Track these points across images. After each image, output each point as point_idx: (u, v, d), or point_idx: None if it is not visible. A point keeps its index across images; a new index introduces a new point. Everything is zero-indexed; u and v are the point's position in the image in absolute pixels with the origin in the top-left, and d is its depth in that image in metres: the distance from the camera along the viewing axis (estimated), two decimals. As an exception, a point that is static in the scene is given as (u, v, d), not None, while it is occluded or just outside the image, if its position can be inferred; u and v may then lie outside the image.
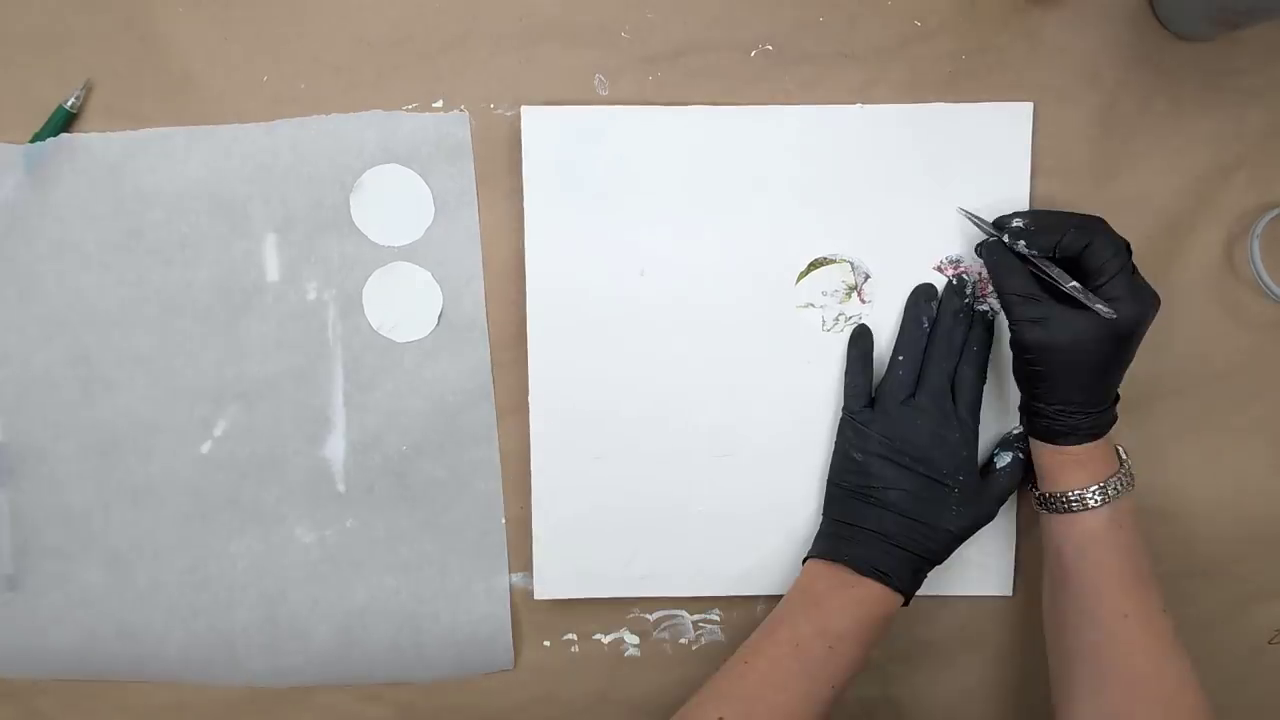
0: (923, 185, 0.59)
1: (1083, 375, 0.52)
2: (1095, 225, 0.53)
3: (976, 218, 0.57)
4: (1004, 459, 0.58)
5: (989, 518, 0.57)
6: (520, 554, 0.62)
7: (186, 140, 0.59)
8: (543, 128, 0.59)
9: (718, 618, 0.63)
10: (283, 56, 0.59)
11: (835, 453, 0.59)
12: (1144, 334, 0.53)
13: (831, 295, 0.60)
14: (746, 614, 0.63)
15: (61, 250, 0.60)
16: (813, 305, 0.60)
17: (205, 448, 0.62)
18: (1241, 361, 0.61)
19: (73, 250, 0.60)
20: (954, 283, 0.58)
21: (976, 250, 0.57)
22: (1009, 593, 0.62)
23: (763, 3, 0.58)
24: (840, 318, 0.60)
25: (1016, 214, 0.55)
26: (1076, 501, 0.54)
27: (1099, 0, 0.58)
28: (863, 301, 0.60)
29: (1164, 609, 0.53)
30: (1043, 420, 0.54)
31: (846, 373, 0.59)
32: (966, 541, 0.57)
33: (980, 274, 0.58)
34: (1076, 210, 0.55)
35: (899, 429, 0.56)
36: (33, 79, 0.59)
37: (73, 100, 0.59)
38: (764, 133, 0.59)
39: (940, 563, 0.56)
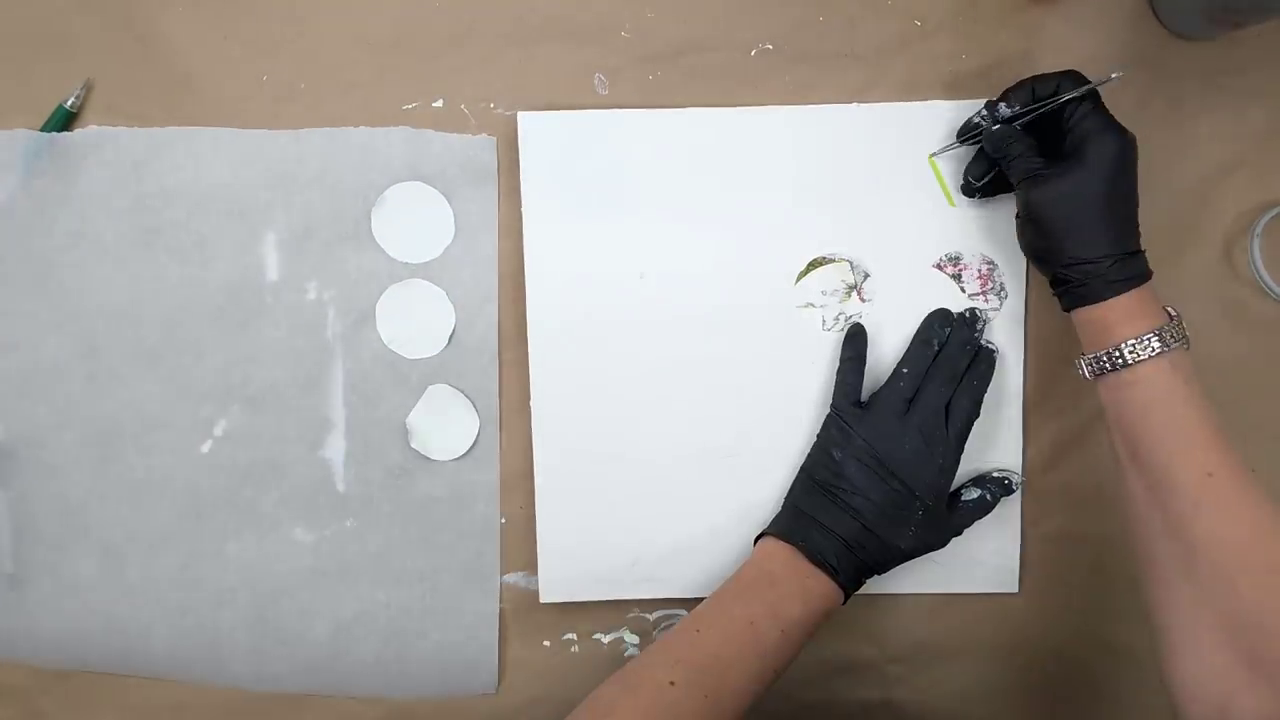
0: (921, 182, 0.59)
1: (1095, 217, 0.50)
2: (1061, 74, 0.53)
3: (949, 145, 0.58)
4: (971, 494, 0.58)
5: (938, 546, 0.57)
6: (519, 553, 0.62)
7: (212, 142, 0.59)
8: (540, 132, 0.59)
9: (717, 618, 0.63)
10: (283, 56, 0.59)
11: (815, 445, 0.59)
12: (1134, 165, 0.52)
13: (831, 295, 0.60)
14: (746, 614, 0.63)
15: (79, 241, 0.60)
16: (812, 305, 0.60)
17: (205, 447, 0.62)
18: (1241, 361, 0.61)
19: (90, 242, 0.60)
20: (967, 315, 0.59)
21: (960, 137, 0.57)
22: (1014, 590, 0.62)
23: (763, 3, 0.58)
24: (840, 317, 0.60)
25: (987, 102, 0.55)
26: (1130, 353, 0.49)
27: (1099, 0, 0.59)
28: (862, 300, 0.60)
29: (1249, 467, 0.47)
30: (1076, 284, 0.51)
31: (839, 370, 0.59)
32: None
33: (988, 316, 0.59)
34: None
35: (885, 438, 0.56)
36: (33, 79, 0.59)
37: (73, 100, 0.59)
38: (763, 133, 0.59)
39: (881, 574, 0.56)
